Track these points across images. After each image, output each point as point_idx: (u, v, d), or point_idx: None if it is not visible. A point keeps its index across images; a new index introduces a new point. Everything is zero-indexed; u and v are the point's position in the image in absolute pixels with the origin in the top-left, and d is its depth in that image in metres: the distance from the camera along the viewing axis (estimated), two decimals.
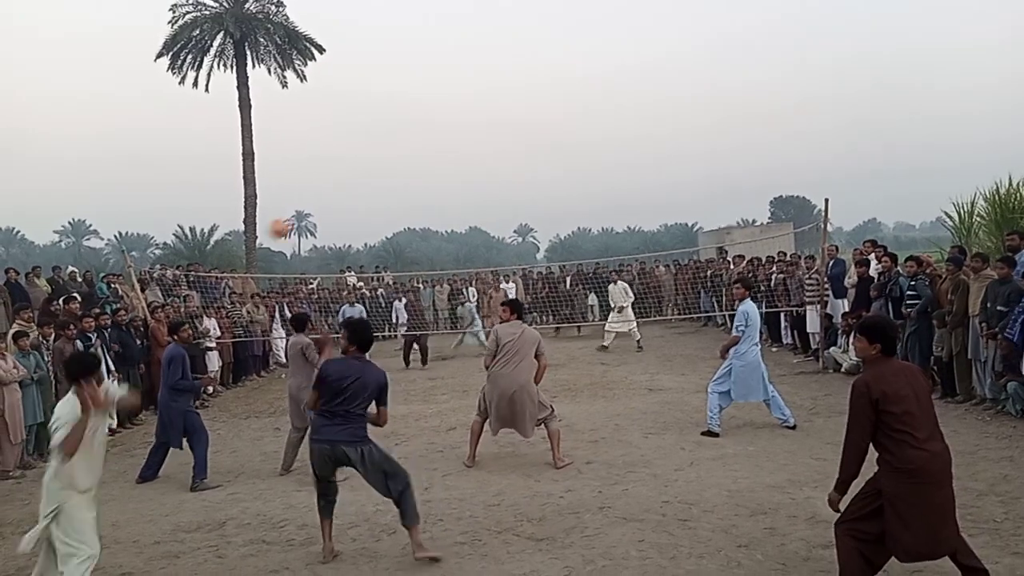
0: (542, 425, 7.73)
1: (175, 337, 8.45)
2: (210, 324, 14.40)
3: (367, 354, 5.65)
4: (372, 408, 5.50)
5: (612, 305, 17.68)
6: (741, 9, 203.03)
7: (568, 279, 22.80)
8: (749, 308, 8.74)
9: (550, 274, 25.28)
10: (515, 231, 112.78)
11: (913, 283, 10.27)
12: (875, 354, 4.18)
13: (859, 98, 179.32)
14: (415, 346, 16.54)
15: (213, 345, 14.07)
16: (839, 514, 4.29)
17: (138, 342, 12.01)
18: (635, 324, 17.39)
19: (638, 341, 16.96)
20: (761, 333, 9.00)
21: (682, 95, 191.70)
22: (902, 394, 4.00)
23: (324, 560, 5.49)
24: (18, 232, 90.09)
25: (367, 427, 5.46)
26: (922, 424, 3.99)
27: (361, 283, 23.35)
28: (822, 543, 5.23)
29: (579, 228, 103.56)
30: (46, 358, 9.66)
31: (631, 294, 17.77)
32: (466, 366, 15.62)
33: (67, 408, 4.73)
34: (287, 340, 9.49)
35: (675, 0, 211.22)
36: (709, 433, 8.54)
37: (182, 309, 14.35)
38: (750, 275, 16.82)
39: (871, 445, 4.10)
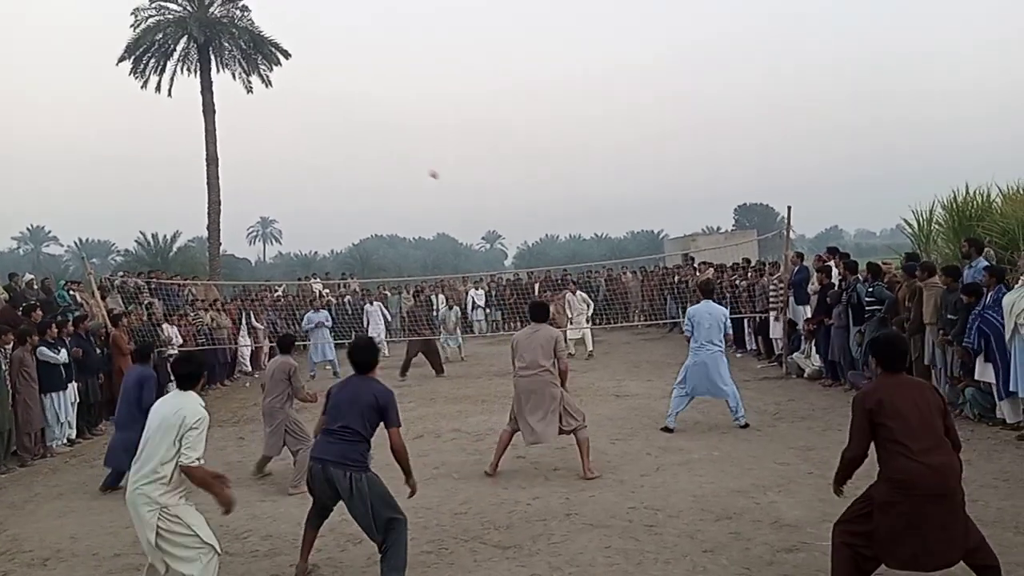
0: (571, 435, 7.47)
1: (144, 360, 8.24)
2: (172, 332, 14.19)
3: (372, 374, 5.28)
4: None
5: (569, 315, 17.69)
6: (707, 18, 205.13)
7: (536, 286, 22.86)
8: (692, 310, 9.43)
9: (518, 280, 25.32)
10: (483, 238, 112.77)
11: (871, 289, 10.48)
12: (878, 369, 4.34)
13: (821, 106, 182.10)
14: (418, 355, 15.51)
15: (175, 353, 13.86)
16: (837, 512, 4.38)
17: (98, 351, 11.80)
18: (588, 331, 17.38)
19: (590, 351, 16.85)
20: (727, 335, 9.38)
21: (646, 102, 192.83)
22: (900, 406, 4.06)
23: None
24: None
25: (366, 454, 5.00)
26: (919, 436, 4.01)
27: (327, 290, 23.17)
28: (786, 547, 5.30)
29: (547, 235, 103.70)
30: (3, 367, 9.43)
31: (590, 304, 17.77)
32: (430, 372, 15.53)
33: (199, 408, 4.62)
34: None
35: (642, 8, 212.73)
36: (666, 429, 9.04)
37: (145, 316, 14.12)
38: (717, 281, 17.04)
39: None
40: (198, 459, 4.49)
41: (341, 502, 5.04)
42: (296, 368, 8.10)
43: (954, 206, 15.63)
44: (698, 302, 9.48)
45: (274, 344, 9.23)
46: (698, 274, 19.15)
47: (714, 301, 9.55)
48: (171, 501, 4.51)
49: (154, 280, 17.96)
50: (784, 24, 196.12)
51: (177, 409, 4.57)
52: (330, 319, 17.26)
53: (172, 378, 5.05)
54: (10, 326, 10.20)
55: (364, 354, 5.28)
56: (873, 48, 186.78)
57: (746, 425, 9.01)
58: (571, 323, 17.44)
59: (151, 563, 4.63)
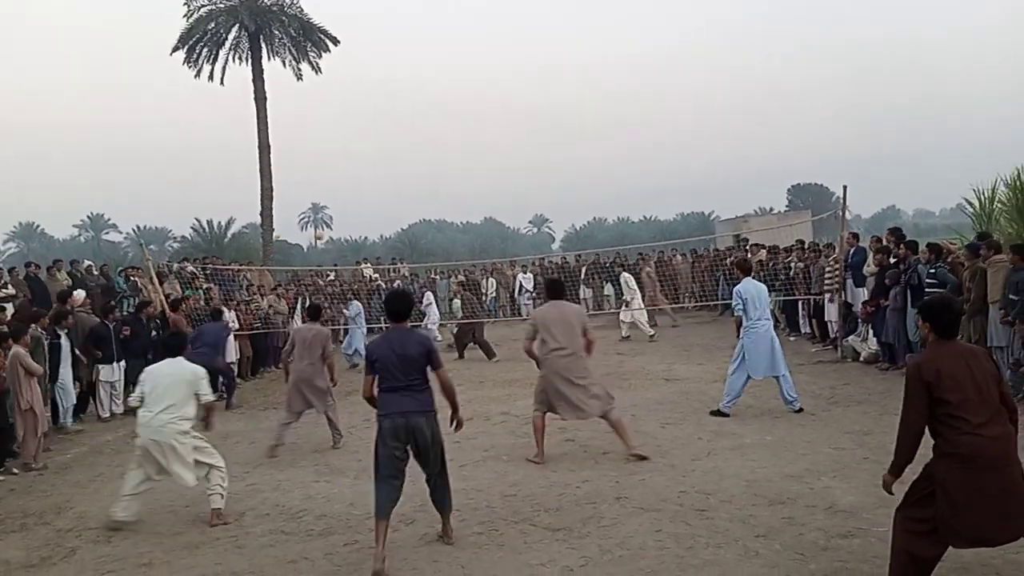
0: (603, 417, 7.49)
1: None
2: (230, 316, 14.48)
3: (407, 323, 5.76)
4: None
5: (624, 296, 17.71)
6: None
7: (584, 269, 22.76)
8: (740, 287, 9.11)
9: (565, 264, 25.24)
10: (530, 221, 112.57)
11: (933, 271, 10.18)
12: (930, 335, 4.14)
13: (876, 82, 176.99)
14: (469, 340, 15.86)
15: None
16: (893, 497, 4.24)
17: (153, 333, 12.14)
18: (641, 316, 17.32)
19: (651, 335, 16.84)
20: (774, 313, 9.24)
21: (696, 80, 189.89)
22: (958, 376, 3.91)
23: (376, 568, 4.97)
24: (38, 227, 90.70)
25: (434, 401, 5.45)
26: (979, 408, 3.89)
27: (377, 275, 23.44)
28: (840, 533, 5.22)
29: (594, 218, 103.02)
30: (44, 349, 9.63)
31: (633, 287, 17.63)
32: (480, 356, 15.61)
33: (196, 366, 6.47)
34: (299, 328, 9.90)
35: None
36: (718, 413, 8.88)
37: (203, 301, 14.43)
38: (771, 263, 16.75)
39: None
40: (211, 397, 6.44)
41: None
42: (329, 335, 9.22)
43: (1018, 184, 15.04)
44: (737, 282, 9.37)
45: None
46: (750, 256, 18.86)
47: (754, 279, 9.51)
48: (191, 429, 6.33)
49: (210, 266, 18.36)
50: None
51: (184, 369, 6.29)
52: (362, 312, 16.96)
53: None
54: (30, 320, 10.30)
55: (401, 303, 5.78)
56: (930, 21, 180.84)
57: (800, 410, 8.86)
58: (626, 305, 17.40)
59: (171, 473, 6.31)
